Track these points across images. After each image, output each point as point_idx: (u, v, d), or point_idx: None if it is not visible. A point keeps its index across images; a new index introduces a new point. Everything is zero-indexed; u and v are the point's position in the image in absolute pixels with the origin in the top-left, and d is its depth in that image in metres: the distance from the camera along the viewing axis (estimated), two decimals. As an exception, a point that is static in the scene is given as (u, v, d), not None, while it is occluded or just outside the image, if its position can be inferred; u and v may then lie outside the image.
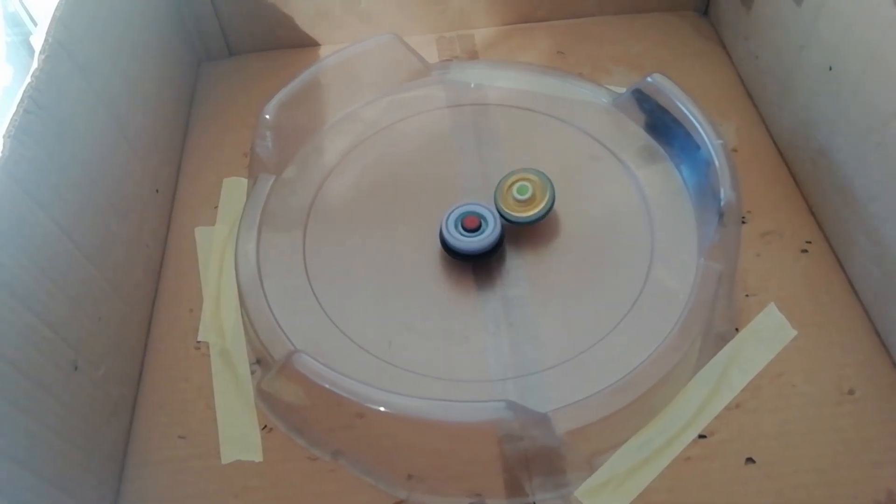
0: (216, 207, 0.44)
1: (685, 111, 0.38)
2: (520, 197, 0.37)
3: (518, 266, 0.38)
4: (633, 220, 0.38)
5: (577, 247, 0.38)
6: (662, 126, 0.40)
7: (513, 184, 0.38)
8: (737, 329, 0.36)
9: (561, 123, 0.43)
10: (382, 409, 0.29)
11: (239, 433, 0.35)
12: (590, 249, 0.38)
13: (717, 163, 0.36)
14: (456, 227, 0.37)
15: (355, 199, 0.41)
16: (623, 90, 0.43)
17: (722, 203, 0.34)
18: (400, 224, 0.40)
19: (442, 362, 0.34)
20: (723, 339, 0.36)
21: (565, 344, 0.34)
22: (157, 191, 0.42)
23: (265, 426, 0.35)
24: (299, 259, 0.38)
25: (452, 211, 0.38)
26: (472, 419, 0.29)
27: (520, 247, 0.38)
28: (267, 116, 0.41)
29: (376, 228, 0.39)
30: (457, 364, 0.34)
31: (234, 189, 0.45)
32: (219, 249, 0.42)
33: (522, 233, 0.38)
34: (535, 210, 0.37)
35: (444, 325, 0.35)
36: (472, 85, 0.46)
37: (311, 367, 0.31)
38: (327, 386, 0.30)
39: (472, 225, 0.37)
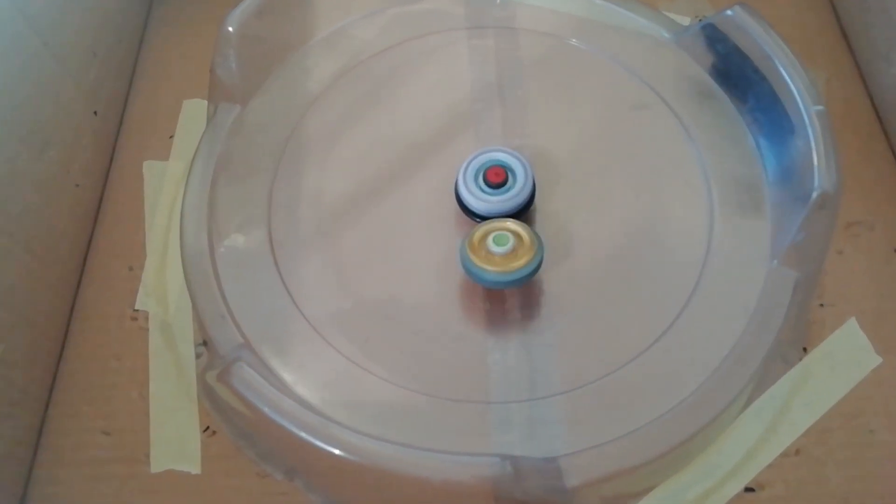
0: (172, 137, 0.36)
1: (775, 62, 0.29)
2: (498, 249, 0.26)
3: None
4: (683, 200, 0.30)
5: (612, 229, 0.30)
6: (737, 75, 0.31)
7: (486, 235, 0.27)
8: (804, 349, 0.29)
9: (604, 59, 0.34)
10: (339, 454, 0.23)
11: (175, 434, 0.28)
12: (623, 235, 0.30)
13: (811, 136, 0.27)
14: (476, 181, 0.29)
15: (341, 143, 0.32)
16: (690, 22, 0.33)
17: (815, 193, 0.26)
18: (397, 176, 0.31)
19: (430, 370, 0.27)
20: (785, 363, 0.28)
21: (587, 362, 0.27)
22: (94, 113, 0.34)
23: (207, 428, 0.28)
24: (263, 218, 0.30)
25: (471, 161, 0.29)
26: (457, 477, 0.23)
27: (541, 217, 0.30)
28: (230, 29, 0.32)
29: (366, 182, 0.31)
30: (449, 375, 0.27)
31: (197, 114, 0.36)
32: (171, 192, 0.34)
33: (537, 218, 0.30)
34: (520, 264, 0.26)
35: (438, 320, 0.28)
36: (498, 1, 0.36)
37: (251, 382, 0.24)
38: (268, 413, 0.23)
39: (497, 179, 0.29)
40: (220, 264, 0.29)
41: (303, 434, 0.23)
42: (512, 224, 0.27)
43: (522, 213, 0.29)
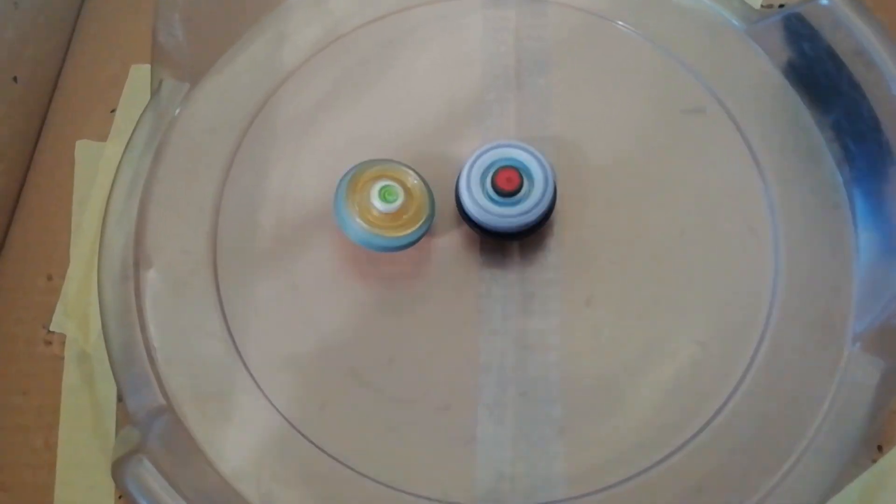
0: (114, 111, 0.29)
1: (883, 72, 0.22)
2: (383, 207, 0.22)
3: (550, 280, 0.24)
4: (740, 242, 0.23)
5: (646, 270, 0.23)
6: (825, 84, 0.24)
7: (369, 182, 0.23)
8: (880, 447, 0.23)
9: (652, 46, 0.27)
10: None
11: (85, 499, 0.23)
12: (667, 280, 0.23)
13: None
14: (483, 186, 0.23)
15: (315, 135, 0.26)
16: (769, 10, 0.26)
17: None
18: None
19: (405, 456, 0.21)
20: (855, 464, 0.22)
21: (608, 455, 0.21)
22: (14, 79, 0.27)
23: (123, 495, 0.23)
24: (208, 231, 0.24)
25: (478, 158, 0.23)
26: None
27: (555, 242, 0.24)
28: (176, -16, 0.25)
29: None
30: (429, 465, 0.21)
31: (146, 84, 0.30)
32: (108, 181, 0.28)
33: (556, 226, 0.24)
34: (409, 229, 0.22)
35: (421, 382, 0.22)
36: (523, -38, 0.29)
37: (148, 486, 0.18)
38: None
39: (509, 186, 0.22)
40: (148, 293, 0.23)
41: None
42: (410, 176, 0.23)
43: (535, 230, 0.23)
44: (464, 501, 0.20)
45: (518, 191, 0.23)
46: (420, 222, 0.22)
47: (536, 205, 0.23)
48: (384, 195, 0.22)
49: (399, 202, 0.22)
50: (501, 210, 0.22)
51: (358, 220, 0.22)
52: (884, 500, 0.22)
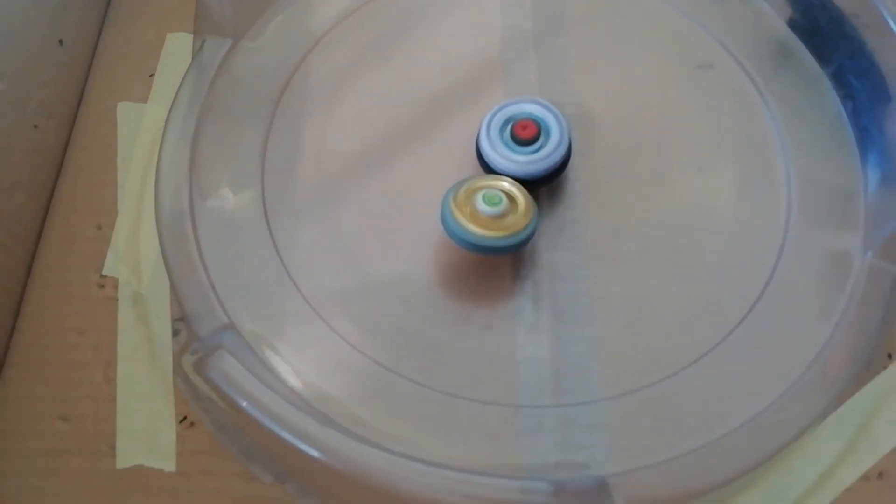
0: (153, 76, 0.31)
1: (884, 13, 0.24)
2: (487, 209, 0.22)
3: (575, 218, 0.25)
4: (755, 178, 0.25)
5: (667, 205, 0.25)
6: (825, 28, 0.26)
7: (475, 191, 0.23)
8: (890, 355, 0.24)
9: (665, 5, 0.29)
10: (341, 468, 0.18)
11: (146, 425, 0.24)
12: (687, 211, 0.25)
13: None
14: (502, 136, 0.24)
15: (349, 91, 0.28)
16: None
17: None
18: (412, 134, 0.27)
19: (449, 365, 0.22)
20: (868, 370, 0.24)
21: (634, 365, 0.22)
22: (59, 42, 0.29)
23: (185, 418, 0.24)
24: (255, 176, 0.26)
25: (497, 112, 0.25)
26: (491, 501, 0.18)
27: (579, 186, 0.26)
28: (222, -55, 0.27)
29: (376, 138, 0.27)
30: (471, 371, 0.22)
31: (182, 50, 0.31)
32: (149, 140, 0.29)
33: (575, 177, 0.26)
34: (510, 231, 0.22)
35: (459, 305, 0.24)
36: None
37: (232, 376, 0.19)
38: (253, 414, 0.19)
39: (527, 134, 0.24)
40: (203, 229, 0.24)
41: (295, 441, 0.19)
42: (507, 184, 0.23)
43: (554, 177, 0.25)
44: (509, 402, 0.22)
45: (536, 139, 0.24)
46: (529, 220, 0.23)
47: (553, 152, 0.24)
48: (488, 201, 0.23)
49: (503, 205, 0.23)
50: (521, 157, 0.24)
51: (470, 226, 0.22)
52: (894, 404, 0.24)
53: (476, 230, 0.22)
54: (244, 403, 0.19)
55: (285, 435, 0.19)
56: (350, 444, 0.19)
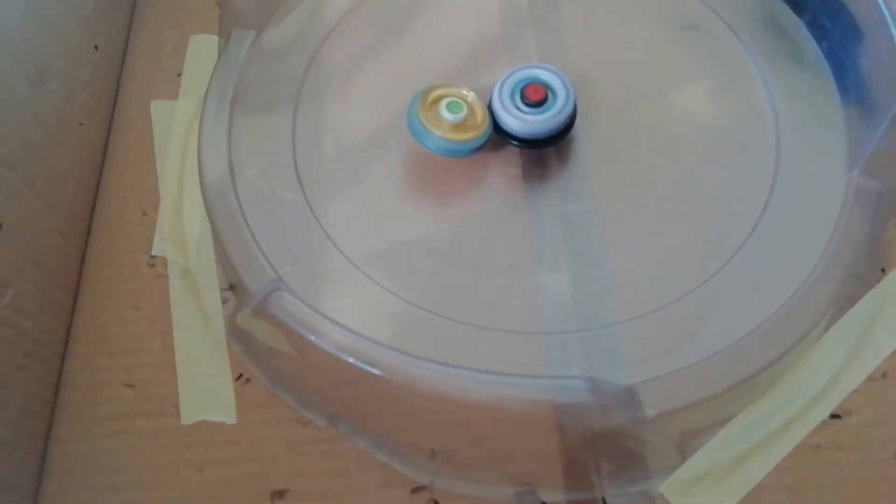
0: (180, 75, 0.33)
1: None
2: (449, 116, 0.26)
3: (583, 173, 0.27)
4: (746, 115, 0.27)
5: (667, 151, 0.27)
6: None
7: (440, 98, 0.27)
8: (883, 269, 0.26)
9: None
10: (399, 381, 0.20)
11: (205, 385, 0.26)
12: (685, 154, 0.27)
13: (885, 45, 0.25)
14: (513, 99, 0.27)
15: (365, 71, 0.30)
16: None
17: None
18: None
19: (481, 302, 0.24)
20: (863, 284, 0.26)
21: (651, 287, 0.24)
22: (95, 48, 0.31)
23: (240, 376, 0.26)
24: (287, 151, 0.28)
25: (508, 77, 0.27)
26: (535, 399, 0.20)
27: (584, 144, 0.28)
28: (242, -55, 0.29)
29: (393, 112, 0.29)
30: (501, 306, 0.24)
31: (204, 50, 0.33)
32: (182, 132, 0.31)
33: (587, 130, 0.28)
34: (467, 137, 0.26)
35: (484, 253, 0.26)
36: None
37: (294, 310, 0.21)
38: (315, 341, 0.21)
39: (536, 96, 0.26)
40: (245, 201, 0.26)
41: (358, 362, 0.21)
42: (469, 95, 0.27)
43: (563, 135, 0.27)
44: (537, 330, 0.24)
45: (544, 100, 0.27)
46: (485, 128, 0.26)
47: (561, 111, 0.26)
48: (451, 108, 0.26)
49: (464, 113, 0.26)
50: (533, 118, 0.26)
51: (433, 130, 0.25)
52: (892, 310, 0.26)
53: (439, 134, 0.25)
54: (310, 335, 0.21)
55: (351, 360, 0.21)
56: (408, 360, 0.21)
